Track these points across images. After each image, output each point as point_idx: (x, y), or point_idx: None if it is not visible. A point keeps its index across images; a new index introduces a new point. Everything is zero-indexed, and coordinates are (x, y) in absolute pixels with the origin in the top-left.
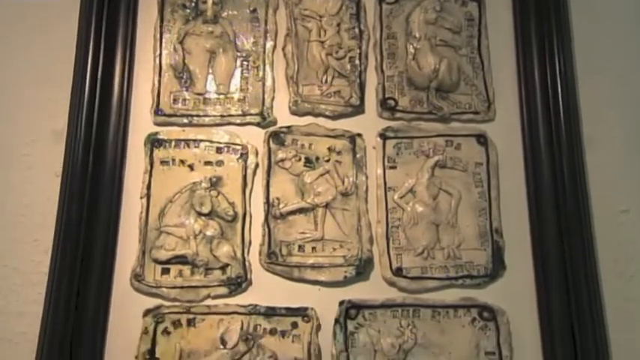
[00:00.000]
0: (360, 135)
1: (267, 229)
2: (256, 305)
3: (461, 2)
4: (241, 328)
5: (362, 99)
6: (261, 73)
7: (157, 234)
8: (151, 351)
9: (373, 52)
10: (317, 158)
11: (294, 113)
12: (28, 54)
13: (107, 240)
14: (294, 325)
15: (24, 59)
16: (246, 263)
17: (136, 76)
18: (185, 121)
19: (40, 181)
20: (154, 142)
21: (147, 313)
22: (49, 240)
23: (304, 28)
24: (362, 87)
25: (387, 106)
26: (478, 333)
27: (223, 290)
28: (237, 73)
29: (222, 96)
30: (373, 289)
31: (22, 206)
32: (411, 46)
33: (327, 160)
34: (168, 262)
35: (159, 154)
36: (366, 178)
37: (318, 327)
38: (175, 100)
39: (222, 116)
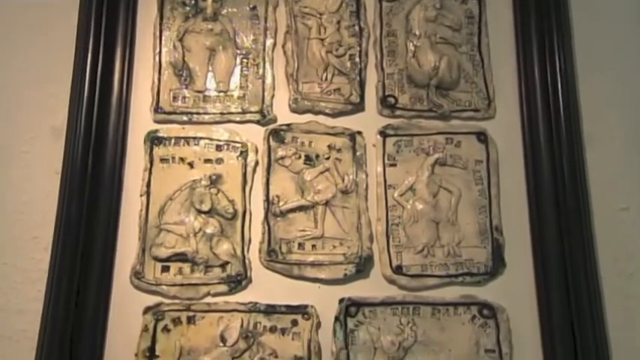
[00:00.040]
0: (360, 133)
1: (267, 227)
2: (256, 303)
3: (461, 0)
4: (241, 326)
5: (362, 96)
6: (261, 71)
7: (156, 231)
8: (151, 348)
9: (373, 49)
10: (317, 156)
11: (294, 111)
12: (28, 53)
13: (107, 237)
14: (294, 323)
15: (24, 59)
16: (246, 261)
17: (135, 73)
18: (185, 118)
19: (40, 179)
20: (153, 140)
21: (147, 310)
22: (49, 237)
23: (304, 25)
24: (362, 84)
25: (387, 103)
26: (478, 330)
27: (223, 288)
28: (237, 70)
29: (222, 93)
30: (373, 287)
31: (21, 204)
32: (411, 44)
33: (327, 158)
34: (168, 259)
35: (159, 151)
36: (366, 175)
37: (318, 324)
38: (175, 98)
39: (221, 114)
